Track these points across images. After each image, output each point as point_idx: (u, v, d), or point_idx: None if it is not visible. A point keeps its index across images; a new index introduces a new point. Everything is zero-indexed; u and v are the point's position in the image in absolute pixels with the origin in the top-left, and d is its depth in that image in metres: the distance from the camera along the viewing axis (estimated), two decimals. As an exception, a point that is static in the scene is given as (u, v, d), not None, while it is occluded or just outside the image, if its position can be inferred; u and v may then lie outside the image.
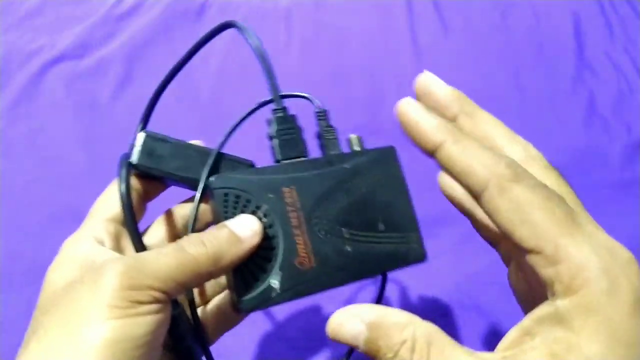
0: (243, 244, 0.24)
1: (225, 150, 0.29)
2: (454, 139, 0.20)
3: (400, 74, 0.66)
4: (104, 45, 0.69)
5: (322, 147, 0.29)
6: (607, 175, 0.60)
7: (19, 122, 0.61)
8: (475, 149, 0.19)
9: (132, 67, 0.67)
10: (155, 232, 0.29)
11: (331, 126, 0.29)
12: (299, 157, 0.27)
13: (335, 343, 0.21)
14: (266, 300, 0.24)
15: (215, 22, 0.27)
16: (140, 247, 0.25)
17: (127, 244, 0.27)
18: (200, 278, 0.23)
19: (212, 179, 0.25)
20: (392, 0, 0.75)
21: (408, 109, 0.21)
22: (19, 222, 0.54)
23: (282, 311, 0.48)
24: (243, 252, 0.24)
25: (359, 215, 0.27)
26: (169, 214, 0.30)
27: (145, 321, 0.21)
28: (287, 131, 0.27)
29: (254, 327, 0.47)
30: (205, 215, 0.28)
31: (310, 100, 0.30)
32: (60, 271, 0.24)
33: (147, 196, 0.29)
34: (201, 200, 0.26)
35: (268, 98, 0.28)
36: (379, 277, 0.28)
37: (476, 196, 0.19)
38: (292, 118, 0.28)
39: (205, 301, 0.31)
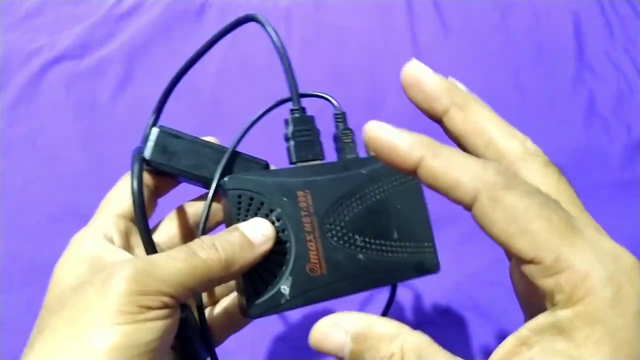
0: (255, 249, 0.23)
1: (240, 149, 0.28)
2: (432, 153, 0.18)
3: (400, 74, 0.66)
4: (104, 45, 0.68)
5: (339, 150, 0.29)
6: (607, 175, 0.60)
7: (19, 122, 0.61)
8: (457, 159, 0.18)
9: (132, 67, 0.67)
10: (166, 229, 0.29)
11: (349, 129, 0.29)
12: (314, 160, 0.27)
13: None
14: (275, 306, 0.24)
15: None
16: (151, 248, 0.25)
17: (137, 241, 0.27)
18: (211, 283, 0.23)
19: (225, 179, 0.24)
20: (392, 0, 0.75)
21: (377, 133, 0.19)
22: (19, 222, 0.54)
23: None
24: (255, 258, 0.23)
25: (373, 223, 0.26)
26: (180, 211, 0.30)
27: (153, 327, 0.20)
28: (304, 132, 0.27)
29: (255, 326, 0.47)
30: (217, 214, 0.28)
31: (330, 101, 0.29)
32: (68, 269, 0.24)
33: (159, 192, 0.29)
34: (213, 199, 0.26)
35: (286, 97, 0.27)
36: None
37: (468, 209, 0.18)
38: (310, 119, 0.27)
39: (214, 302, 0.31)
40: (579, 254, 0.16)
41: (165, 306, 0.21)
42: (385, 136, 0.19)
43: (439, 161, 0.18)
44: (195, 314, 0.27)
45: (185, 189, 0.30)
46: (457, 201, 0.18)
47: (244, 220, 0.24)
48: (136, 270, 0.21)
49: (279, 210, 0.25)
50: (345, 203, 0.26)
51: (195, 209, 0.30)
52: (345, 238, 0.26)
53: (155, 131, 0.27)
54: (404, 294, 0.51)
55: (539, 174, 0.19)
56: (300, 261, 0.24)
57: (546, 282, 0.17)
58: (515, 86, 0.67)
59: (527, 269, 0.17)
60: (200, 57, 0.29)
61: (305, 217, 0.25)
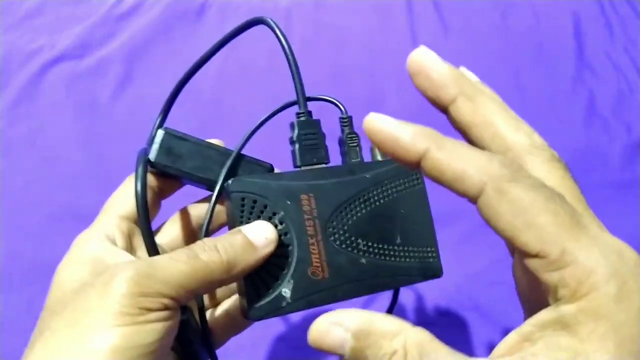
0: (257, 252, 0.23)
1: (244, 151, 0.28)
2: (437, 144, 0.18)
3: (400, 74, 0.66)
4: (104, 45, 0.68)
5: (344, 154, 0.29)
6: (607, 175, 0.60)
7: (19, 122, 0.61)
8: (463, 151, 0.17)
9: (132, 67, 0.67)
10: (169, 231, 0.29)
11: (355, 133, 0.29)
12: (319, 164, 0.27)
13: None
14: (276, 309, 0.24)
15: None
16: (153, 250, 0.25)
17: (140, 242, 0.27)
18: (212, 285, 0.23)
19: (229, 182, 0.24)
20: (392, 0, 0.75)
21: (378, 125, 0.19)
22: (19, 222, 0.54)
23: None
24: (257, 261, 0.23)
25: (376, 227, 0.26)
26: (183, 213, 0.30)
27: (154, 328, 0.20)
28: (309, 136, 0.27)
29: (255, 327, 0.47)
30: (220, 216, 0.28)
31: (337, 105, 0.29)
32: (70, 270, 0.24)
33: (163, 194, 0.29)
34: (216, 202, 0.26)
35: (293, 100, 0.27)
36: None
37: (473, 202, 0.18)
38: (316, 123, 0.27)
39: (215, 304, 0.31)
40: (584, 249, 0.16)
41: (165, 308, 0.21)
42: (387, 128, 0.18)
43: (443, 153, 0.17)
44: (197, 315, 0.27)
45: (189, 191, 0.30)
46: (462, 194, 0.18)
47: (247, 222, 0.24)
48: (137, 272, 0.21)
49: (282, 213, 0.25)
50: (349, 207, 0.26)
51: (198, 211, 0.30)
52: (348, 242, 0.25)
53: (160, 133, 0.27)
54: (405, 295, 0.51)
55: (545, 167, 0.19)
56: (302, 264, 0.24)
57: (550, 277, 0.17)
58: (515, 86, 0.67)
59: (532, 263, 0.17)
60: (208, 59, 0.29)
61: (309, 220, 0.25)
